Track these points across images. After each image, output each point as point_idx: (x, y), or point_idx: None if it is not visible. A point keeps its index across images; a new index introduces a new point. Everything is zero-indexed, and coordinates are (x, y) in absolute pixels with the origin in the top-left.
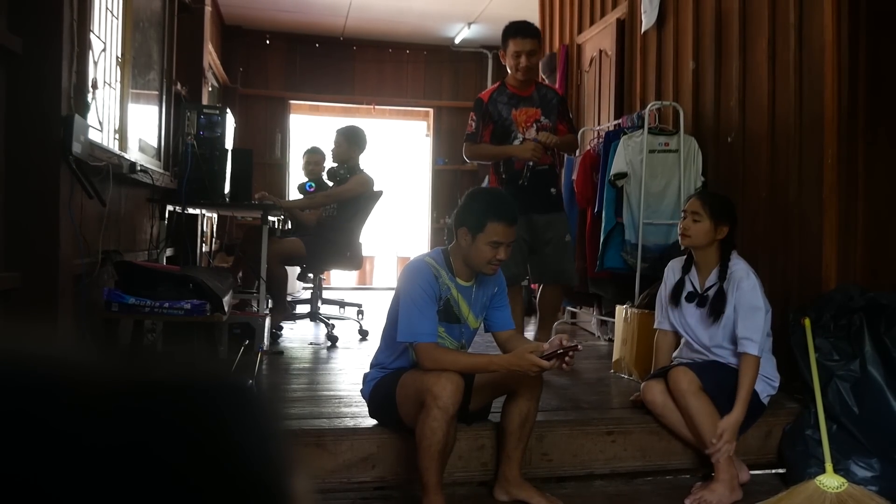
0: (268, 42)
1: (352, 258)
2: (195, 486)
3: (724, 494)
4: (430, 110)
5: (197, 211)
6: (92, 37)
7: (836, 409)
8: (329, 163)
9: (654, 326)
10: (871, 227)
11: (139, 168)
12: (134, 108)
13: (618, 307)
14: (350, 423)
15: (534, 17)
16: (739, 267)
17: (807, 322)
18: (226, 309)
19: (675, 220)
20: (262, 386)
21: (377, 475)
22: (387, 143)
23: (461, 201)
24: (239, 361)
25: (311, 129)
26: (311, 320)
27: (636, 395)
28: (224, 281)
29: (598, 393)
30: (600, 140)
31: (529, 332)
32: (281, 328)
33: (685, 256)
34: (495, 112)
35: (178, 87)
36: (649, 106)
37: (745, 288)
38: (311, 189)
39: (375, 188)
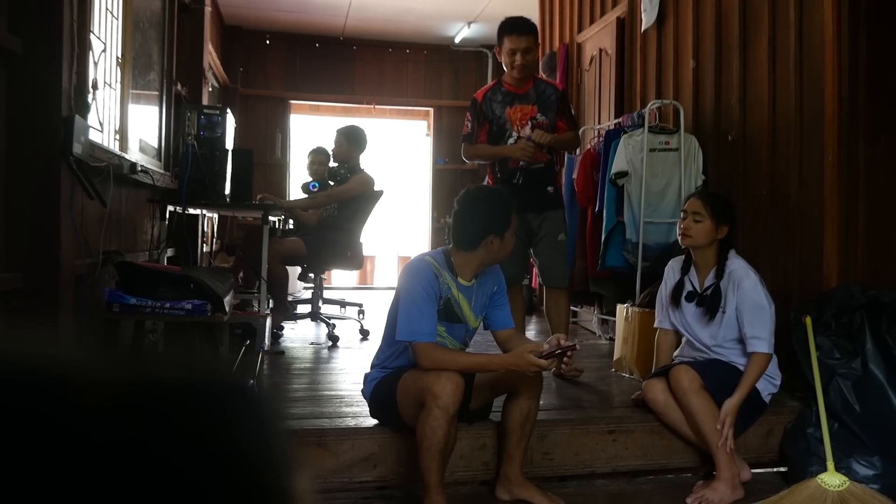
0: (268, 42)
1: (352, 258)
2: (198, 485)
3: (726, 493)
4: (431, 110)
5: (197, 211)
6: (92, 37)
7: (838, 408)
8: (330, 163)
9: (655, 325)
10: (871, 225)
11: (140, 168)
12: (134, 109)
13: (619, 306)
14: (351, 422)
15: (533, 15)
16: (738, 266)
17: (808, 320)
18: (227, 309)
19: (676, 219)
20: (263, 386)
21: (378, 475)
22: (387, 142)
23: (469, 212)
24: (240, 361)
25: (311, 129)
26: (311, 320)
27: (637, 393)
28: (225, 281)
29: (600, 392)
30: (601, 139)
31: (530, 332)
32: (282, 328)
33: (684, 256)
34: (489, 111)
35: (179, 87)
36: (650, 105)
37: (747, 287)
38: (315, 189)
39: (376, 188)
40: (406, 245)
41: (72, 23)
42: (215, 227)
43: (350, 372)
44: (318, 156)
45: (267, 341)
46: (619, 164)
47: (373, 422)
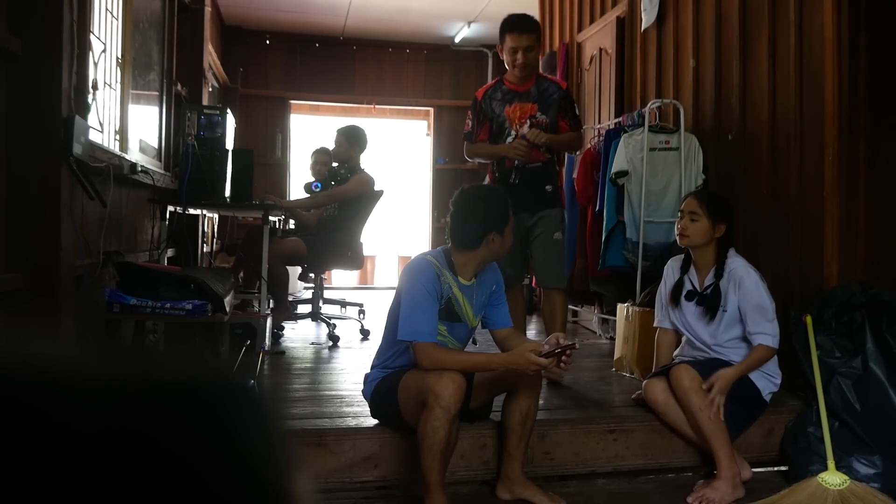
0: (268, 42)
1: (353, 258)
2: (203, 479)
3: (727, 492)
4: (431, 109)
5: (198, 211)
6: (92, 38)
7: (838, 407)
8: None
9: (655, 325)
10: (872, 224)
11: (140, 169)
12: (134, 109)
13: (619, 305)
14: (352, 422)
15: (533, 15)
16: (738, 264)
17: (808, 319)
18: (227, 309)
19: (676, 218)
20: (263, 386)
21: (379, 475)
22: (387, 142)
23: (468, 212)
24: (240, 362)
25: (311, 129)
26: (312, 320)
27: (638, 393)
28: (225, 281)
29: (600, 391)
30: (601, 138)
31: (530, 332)
32: (282, 328)
33: (683, 255)
34: (489, 109)
35: (179, 87)
36: (650, 104)
37: (748, 285)
38: (318, 189)
39: (376, 188)
40: (406, 245)
41: (72, 23)
42: (215, 227)
43: (350, 372)
44: (321, 156)
45: (267, 341)
46: (619, 163)
47: (373, 422)
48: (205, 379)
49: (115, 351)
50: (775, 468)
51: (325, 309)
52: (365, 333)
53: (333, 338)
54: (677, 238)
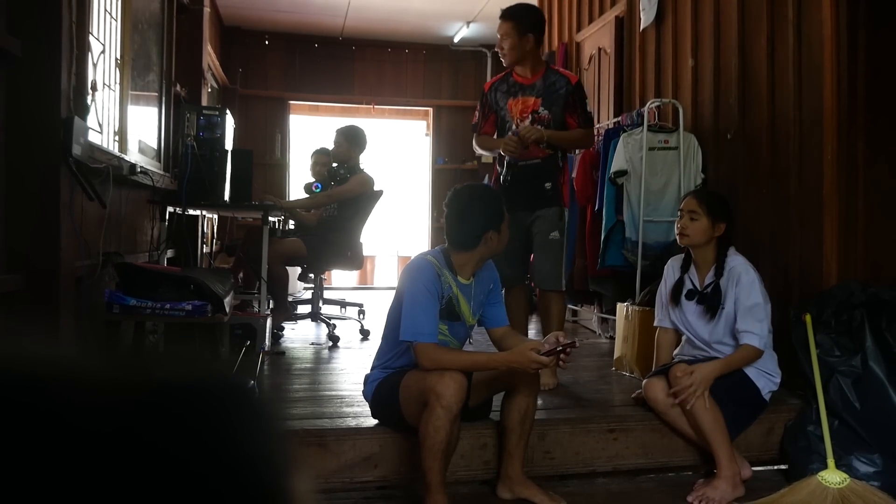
0: (267, 42)
1: (353, 258)
2: (203, 479)
3: (727, 491)
4: (430, 109)
5: (197, 212)
6: (91, 39)
7: (838, 405)
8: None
9: (655, 324)
10: (871, 223)
11: (139, 170)
12: (133, 110)
13: (619, 305)
14: (352, 422)
15: None
16: (738, 262)
17: (808, 318)
18: (227, 310)
19: (676, 218)
20: (263, 386)
21: (380, 475)
22: (386, 142)
23: (464, 212)
24: (240, 362)
25: (310, 130)
26: (312, 320)
27: (638, 392)
28: (225, 282)
29: (600, 391)
30: (600, 138)
31: (531, 332)
32: (282, 328)
33: (684, 254)
34: (493, 101)
35: (178, 88)
36: (649, 103)
37: (745, 283)
38: (319, 190)
39: (376, 188)
40: (406, 245)
41: (71, 24)
42: (215, 227)
43: (351, 372)
44: (321, 156)
45: (267, 342)
46: (618, 162)
47: (373, 422)
48: (204, 380)
49: (114, 352)
50: (775, 467)
51: (325, 309)
52: (365, 334)
53: (333, 338)
54: (677, 237)
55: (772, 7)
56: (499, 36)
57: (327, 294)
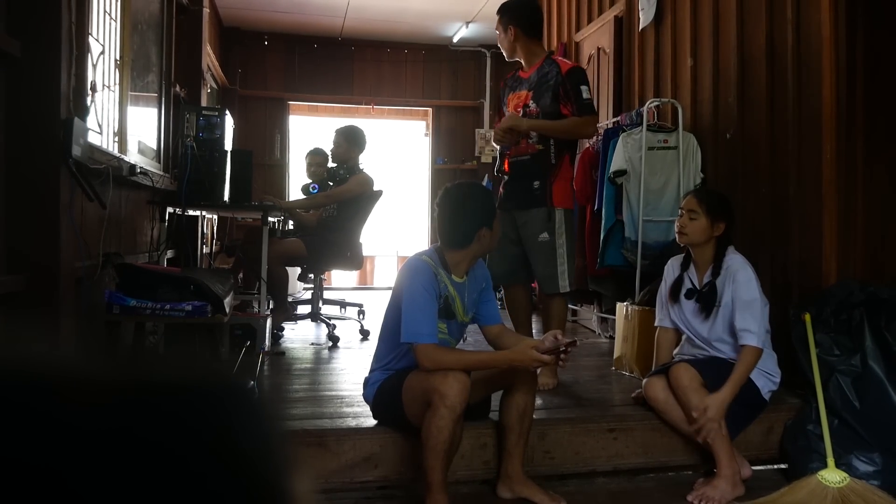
0: (266, 43)
1: (352, 258)
2: (200, 483)
3: (727, 490)
4: (429, 110)
5: (197, 212)
6: (91, 39)
7: (838, 404)
8: (329, 163)
9: (655, 324)
10: (870, 222)
11: (139, 170)
12: (133, 111)
13: (618, 304)
14: (352, 422)
15: None
16: (736, 261)
17: (807, 317)
18: (227, 310)
19: (675, 217)
20: (263, 387)
21: (380, 475)
22: (386, 142)
23: (457, 211)
24: (240, 362)
25: (310, 130)
26: (312, 321)
27: (638, 392)
28: (225, 282)
29: (600, 390)
30: (599, 137)
31: (534, 331)
32: (282, 329)
33: (684, 254)
34: (503, 97)
35: (177, 88)
36: (648, 103)
37: (741, 280)
38: (316, 191)
39: (375, 188)
40: (406, 245)
41: (70, 25)
42: (215, 228)
43: (351, 372)
44: (315, 157)
45: (267, 342)
46: (617, 162)
47: (374, 422)
48: (204, 380)
49: (114, 352)
50: (775, 466)
51: (325, 309)
52: (365, 334)
53: (333, 338)
54: (676, 236)
55: (771, 7)
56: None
57: (327, 294)
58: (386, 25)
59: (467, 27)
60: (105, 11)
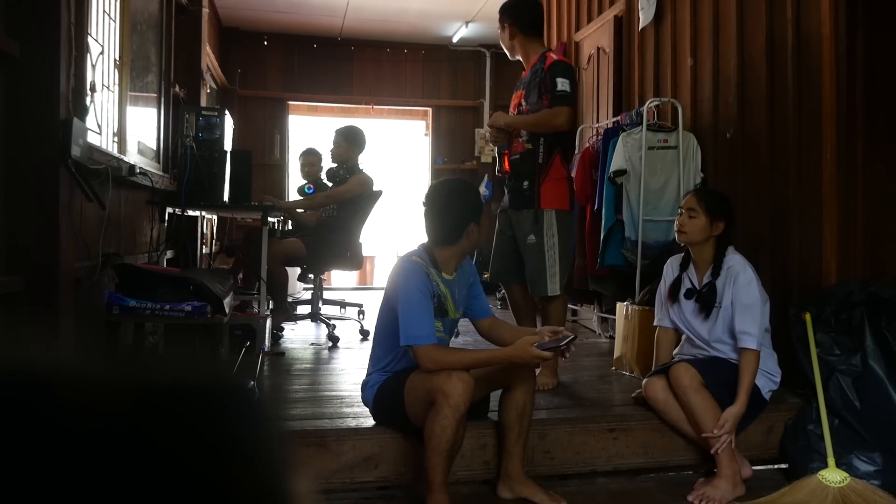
0: (265, 43)
1: (352, 258)
2: (200, 483)
3: (727, 490)
4: (429, 109)
5: (197, 213)
6: (90, 40)
7: (838, 404)
8: (328, 163)
9: (655, 324)
10: (870, 221)
11: (138, 171)
12: (132, 111)
13: (618, 304)
14: (352, 423)
15: None
16: (736, 261)
17: (807, 317)
18: (227, 310)
19: (675, 217)
20: (263, 387)
21: (380, 475)
22: (386, 142)
23: (445, 207)
24: (240, 363)
25: (309, 130)
26: (311, 321)
27: (638, 391)
28: (224, 282)
29: (600, 390)
30: (599, 137)
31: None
32: (282, 329)
33: (683, 253)
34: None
35: (177, 89)
36: (648, 103)
37: (742, 282)
38: (311, 191)
39: (375, 188)
40: (406, 245)
41: (69, 25)
42: (214, 228)
43: (350, 372)
44: (308, 157)
45: (267, 342)
46: (617, 162)
47: (374, 422)
48: (204, 380)
49: (114, 353)
50: (775, 466)
51: (325, 309)
52: (364, 334)
53: (333, 338)
54: (676, 234)
55: (771, 6)
56: None
57: (327, 294)
58: (385, 25)
59: (467, 27)
60: (104, 11)
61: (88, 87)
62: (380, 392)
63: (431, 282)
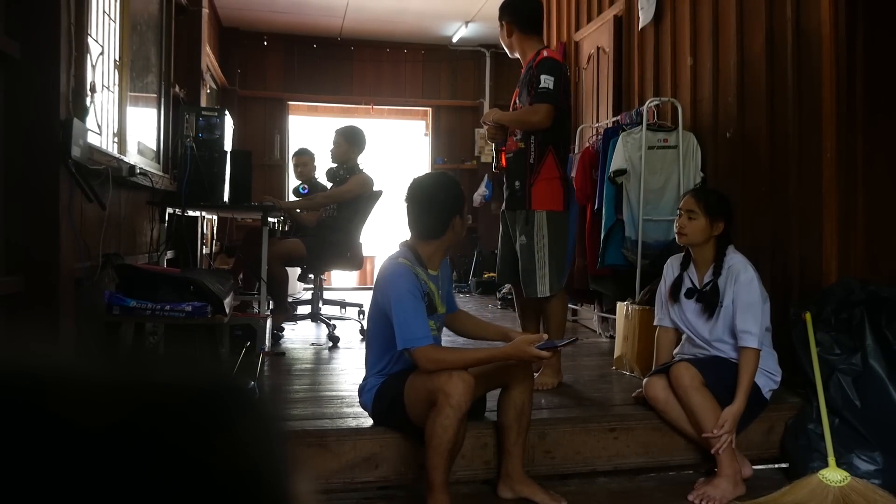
0: (265, 43)
1: (352, 258)
2: (200, 483)
3: (728, 489)
4: (429, 109)
5: (197, 213)
6: (90, 40)
7: (838, 403)
8: (324, 163)
9: (655, 323)
10: (871, 221)
11: (138, 171)
12: (132, 111)
13: (619, 304)
14: (352, 423)
15: None
16: (737, 261)
17: (808, 317)
18: (227, 311)
19: (675, 217)
20: (263, 387)
21: (380, 475)
22: (386, 142)
23: (429, 202)
24: (241, 363)
25: (309, 130)
26: (312, 321)
27: (638, 391)
28: (225, 283)
29: (600, 390)
30: (599, 137)
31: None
32: (282, 329)
33: (683, 253)
34: None
35: (177, 89)
36: (648, 102)
37: (743, 281)
38: (306, 192)
39: (375, 188)
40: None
41: (69, 26)
42: (215, 228)
43: (351, 372)
44: (301, 157)
45: (267, 342)
46: (617, 161)
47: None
48: (205, 381)
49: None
50: (776, 465)
51: (325, 310)
52: (365, 334)
53: (333, 338)
54: (676, 236)
55: (770, 5)
56: None
57: (327, 294)
58: (385, 25)
59: (467, 27)
60: (104, 12)
61: (88, 87)
62: (378, 395)
63: (420, 281)
